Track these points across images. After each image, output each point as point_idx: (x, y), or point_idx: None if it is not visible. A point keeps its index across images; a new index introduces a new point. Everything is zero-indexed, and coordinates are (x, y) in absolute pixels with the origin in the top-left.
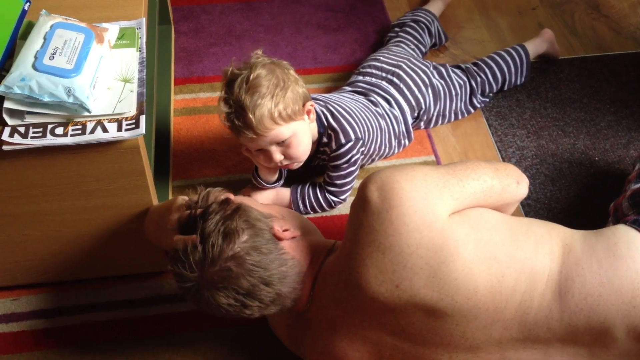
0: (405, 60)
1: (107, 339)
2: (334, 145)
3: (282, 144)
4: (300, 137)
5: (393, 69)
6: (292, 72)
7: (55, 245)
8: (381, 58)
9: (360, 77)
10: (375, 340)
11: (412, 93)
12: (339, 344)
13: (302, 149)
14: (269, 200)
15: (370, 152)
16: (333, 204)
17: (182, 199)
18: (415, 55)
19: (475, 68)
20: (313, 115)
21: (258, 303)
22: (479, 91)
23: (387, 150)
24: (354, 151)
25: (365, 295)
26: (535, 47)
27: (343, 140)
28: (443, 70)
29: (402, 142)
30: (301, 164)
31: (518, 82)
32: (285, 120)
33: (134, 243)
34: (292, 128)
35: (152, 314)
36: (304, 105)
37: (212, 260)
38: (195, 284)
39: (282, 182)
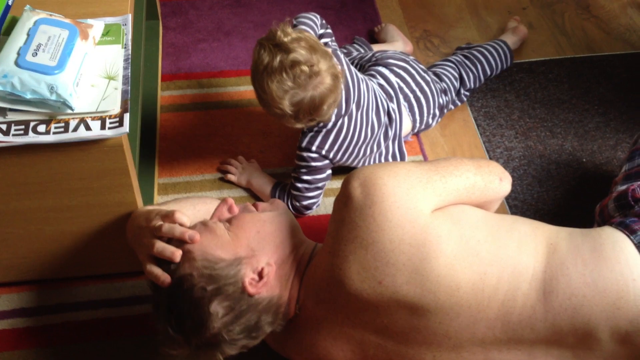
0: (430, 96)
1: (90, 338)
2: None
3: None
4: None
5: (419, 94)
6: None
7: (38, 244)
8: (419, 72)
9: (392, 77)
10: (358, 339)
11: (422, 120)
12: (322, 343)
13: None
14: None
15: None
16: (301, 210)
17: (157, 215)
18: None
19: (467, 63)
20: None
21: (257, 335)
22: (465, 87)
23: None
24: (317, 163)
25: (348, 292)
26: (513, 44)
27: (303, 145)
28: (444, 87)
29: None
30: None
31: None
32: None
33: (118, 241)
34: None
35: (136, 313)
36: None
37: (198, 336)
38: (192, 351)
39: None
